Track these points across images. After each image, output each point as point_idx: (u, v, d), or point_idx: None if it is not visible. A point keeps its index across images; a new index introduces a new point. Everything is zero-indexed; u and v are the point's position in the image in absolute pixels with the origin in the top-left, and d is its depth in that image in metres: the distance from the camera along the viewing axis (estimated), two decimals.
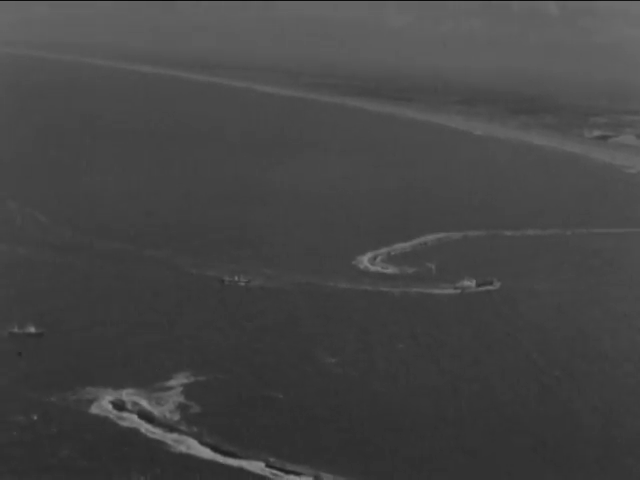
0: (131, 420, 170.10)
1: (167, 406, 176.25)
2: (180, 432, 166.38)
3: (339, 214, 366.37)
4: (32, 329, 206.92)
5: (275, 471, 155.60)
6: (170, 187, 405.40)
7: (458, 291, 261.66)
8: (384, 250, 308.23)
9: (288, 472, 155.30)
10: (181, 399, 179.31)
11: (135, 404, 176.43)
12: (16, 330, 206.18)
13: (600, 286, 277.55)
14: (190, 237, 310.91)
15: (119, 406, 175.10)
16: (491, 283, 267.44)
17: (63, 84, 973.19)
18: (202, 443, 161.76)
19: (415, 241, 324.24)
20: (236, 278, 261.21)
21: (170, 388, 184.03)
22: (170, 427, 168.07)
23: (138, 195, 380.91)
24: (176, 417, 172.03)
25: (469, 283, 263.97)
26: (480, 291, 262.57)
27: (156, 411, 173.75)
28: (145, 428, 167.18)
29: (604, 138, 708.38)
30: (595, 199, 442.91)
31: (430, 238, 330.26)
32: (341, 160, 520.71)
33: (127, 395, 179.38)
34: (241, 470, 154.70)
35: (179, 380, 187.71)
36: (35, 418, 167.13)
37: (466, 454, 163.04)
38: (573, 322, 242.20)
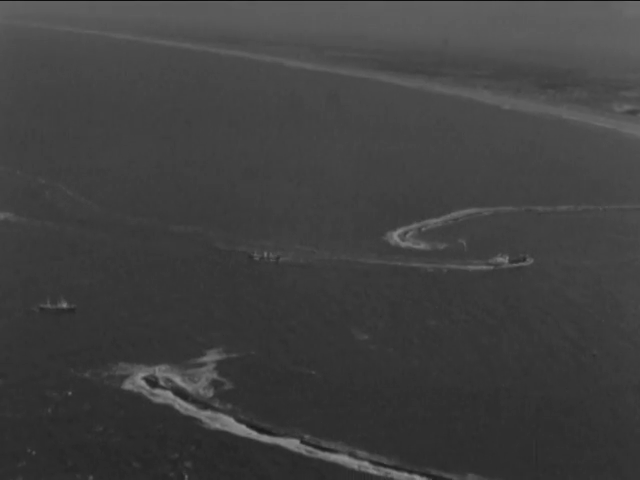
0: (165, 396, 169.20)
1: (200, 383, 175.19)
2: (214, 409, 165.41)
3: (368, 190, 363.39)
4: (64, 304, 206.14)
5: (310, 448, 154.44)
6: (197, 162, 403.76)
7: (491, 267, 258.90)
8: (415, 226, 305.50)
9: (323, 449, 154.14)
10: (214, 376, 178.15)
11: (168, 380, 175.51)
12: (48, 305, 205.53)
13: (635, 262, 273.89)
14: (218, 213, 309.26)
15: (152, 382, 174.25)
16: (524, 259, 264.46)
17: (82, 58, 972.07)
18: (237, 420, 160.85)
19: (446, 217, 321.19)
20: (265, 254, 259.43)
21: (203, 365, 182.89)
22: (204, 404, 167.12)
23: (165, 170, 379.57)
24: (210, 394, 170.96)
25: (502, 259, 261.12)
26: (513, 267, 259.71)
27: (190, 388, 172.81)
28: (179, 405, 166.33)
29: (634, 112, 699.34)
30: (627, 175, 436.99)
31: (461, 214, 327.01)
32: (369, 135, 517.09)
33: (160, 371, 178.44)
34: (276, 447, 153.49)
35: (212, 357, 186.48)
36: (69, 394, 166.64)
37: (503, 432, 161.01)
38: (608, 298, 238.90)
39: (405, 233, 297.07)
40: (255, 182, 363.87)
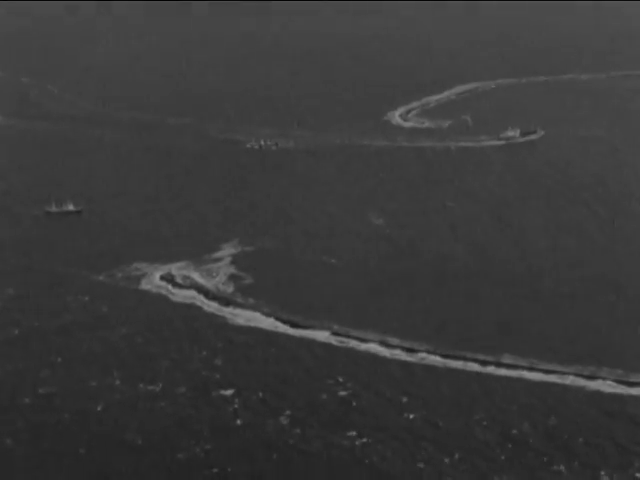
0: (184, 294, 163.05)
1: (219, 278, 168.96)
2: (237, 304, 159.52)
3: (363, 69, 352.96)
4: (70, 207, 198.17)
5: (341, 338, 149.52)
6: (184, 52, 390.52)
7: (502, 142, 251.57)
8: (415, 104, 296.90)
9: (354, 339, 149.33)
10: (232, 270, 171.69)
11: (186, 277, 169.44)
12: (54, 209, 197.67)
13: None
14: (212, 102, 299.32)
15: (170, 281, 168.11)
16: (535, 132, 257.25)
17: None
18: (264, 314, 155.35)
19: (447, 93, 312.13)
20: (262, 142, 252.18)
21: (219, 259, 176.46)
22: (226, 300, 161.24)
23: (152, 62, 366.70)
24: (230, 289, 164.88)
25: (513, 133, 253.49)
26: (525, 141, 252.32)
27: (209, 284, 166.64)
28: (201, 302, 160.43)
29: None
30: (628, 42, 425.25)
31: (462, 89, 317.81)
32: (363, 14, 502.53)
33: (176, 269, 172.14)
34: (307, 339, 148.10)
35: (228, 250, 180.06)
36: (87, 299, 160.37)
37: (538, 312, 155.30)
38: (624, 166, 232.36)
39: (407, 112, 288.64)
40: (249, 69, 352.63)
